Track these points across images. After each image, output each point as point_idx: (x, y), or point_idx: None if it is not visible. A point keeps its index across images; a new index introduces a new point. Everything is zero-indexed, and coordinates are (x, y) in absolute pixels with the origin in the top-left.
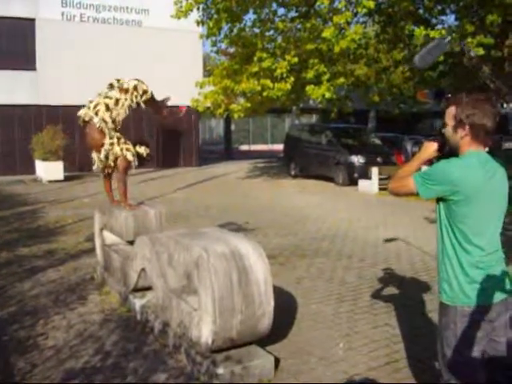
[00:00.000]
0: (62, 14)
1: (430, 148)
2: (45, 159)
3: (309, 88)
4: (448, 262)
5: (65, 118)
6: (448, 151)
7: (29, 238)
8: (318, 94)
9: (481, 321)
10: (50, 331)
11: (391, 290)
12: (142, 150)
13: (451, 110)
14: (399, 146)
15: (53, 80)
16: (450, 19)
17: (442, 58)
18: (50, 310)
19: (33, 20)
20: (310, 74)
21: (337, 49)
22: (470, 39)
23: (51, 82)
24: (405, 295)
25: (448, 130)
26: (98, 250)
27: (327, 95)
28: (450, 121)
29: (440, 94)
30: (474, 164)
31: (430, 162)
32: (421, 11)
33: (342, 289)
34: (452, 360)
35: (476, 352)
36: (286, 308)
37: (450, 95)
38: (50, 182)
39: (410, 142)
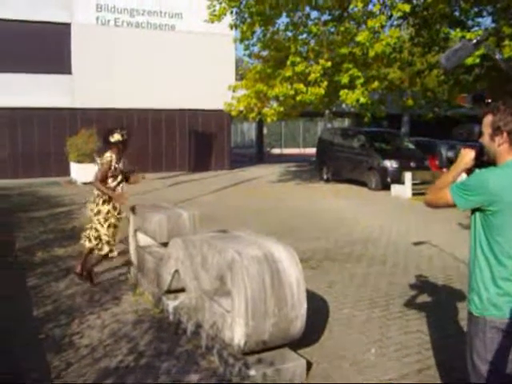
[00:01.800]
0: (97, 19)
1: (467, 157)
2: (79, 161)
3: (343, 93)
4: (479, 274)
5: (99, 120)
6: (486, 160)
7: (64, 239)
8: (352, 98)
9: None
10: (85, 330)
11: (423, 297)
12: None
13: (488, 119)
14: (433, 151)
15: (88, 83)
16: (487, 21)
17: (477, 60)
18: (85, 309)
19: (68, 24)
20: (345, 79)
21: (372, 53)
22: (507, 41)
23: (86, 86)
24: (437, 302)
25: (485, 139)
26: (132, 252)
27: (362, 100)
28: (487, 129)
29: (479, 98)
30: None
31: (468, 171)
32: (456, 13)
33: (373, 294)
34: (487, 371)
35: (505, 363)
36: (317, 312)
37: (490, 100)
38: (85, 183)
39: (445, 146)
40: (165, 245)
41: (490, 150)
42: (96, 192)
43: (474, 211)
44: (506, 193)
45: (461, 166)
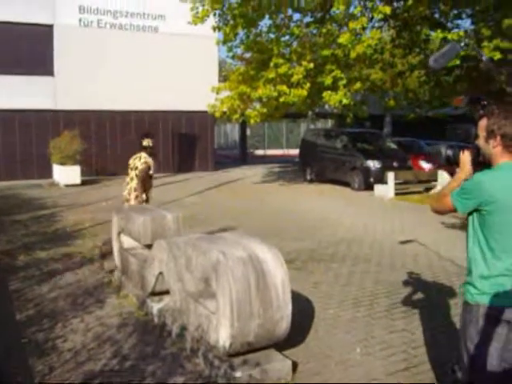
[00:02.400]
0: (80, 20)
1: (467, 166)
2: (62, 163)
3: (326, 94)
4: (476, 268)
5: (82, 122)
6: (482, 161)
7: (46, 242)
8: (335, 99)
9: (503, 320)
10: (68, 334)
11: (409, 295)
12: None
13: (483, 122)
14: (415, 151)
15: (70, 85)
16: (466, 23)
17: (457, 62)
18: (68, 312)
19: (51, 26)
20: (328, 80)
21: (353, 54)
22: (486, 43)
23: (68, 88)
24: (422, 300)
25: (481, 141)
26: (116, 254)
27: (344, 101)
28: (482, 132)
29: (475, 101)
30: (506, 175)
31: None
32: (436, 16)
33: (359, 293)
34: (480, 358)
35: (497, 350)
36: (303, 312)
37: (485, 103)
38: (67, 186)
39: (444, 145)
40: (149, 247)
41: (485, 151)
42: (129, 187)
43: (470, 212)
44: (500, 193)
45: (462, 177)
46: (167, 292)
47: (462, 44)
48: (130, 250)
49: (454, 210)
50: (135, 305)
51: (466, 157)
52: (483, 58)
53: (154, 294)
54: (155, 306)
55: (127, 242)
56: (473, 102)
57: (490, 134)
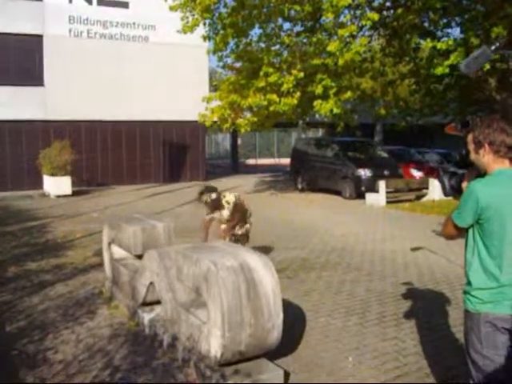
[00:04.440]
0: (70, 31)
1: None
2: (53, 174)
3: (317, 103)
4: (474, 275)
5: (72, 132)
6: (480, 175)
7: (37, 253)
8: (325, 109)
9: (504, 328)
10: (59, 345)
11: (400, 303)
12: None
13: (469, 137)
14: (406, 159)
15: (60, 95)
16: (456, 32)
17: (447, 70)
18: (59, 324)
19: (40, 36)
20: (319, 90)
21: (341, 61)
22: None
23: (59, 98)
24: (413, 308)
25: (472, 155)
26: (107, 265)
27: (335, 110)
28: (470, 146)
29: (465, 124)
30: (500, 181)
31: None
32: (426, 24)
33: (350, 302)
34: (484, 365)
35: (500, 356)
36: (294, 321)
37: (468, 120)
38: (58, 196)
39: (446, 175)
40: (140, 257)
41: (479, 164)
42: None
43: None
44: (495, 200)
45: None
46: (158, 302)
47: (493, 48)
48: (121, 261)
49: (459, 229)
50: (126, 315)
51: (467, 183)
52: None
53: (144, 304)
54: (146, 317)
55: (118, 252)
56: (464, 126)
57: (478, 144)
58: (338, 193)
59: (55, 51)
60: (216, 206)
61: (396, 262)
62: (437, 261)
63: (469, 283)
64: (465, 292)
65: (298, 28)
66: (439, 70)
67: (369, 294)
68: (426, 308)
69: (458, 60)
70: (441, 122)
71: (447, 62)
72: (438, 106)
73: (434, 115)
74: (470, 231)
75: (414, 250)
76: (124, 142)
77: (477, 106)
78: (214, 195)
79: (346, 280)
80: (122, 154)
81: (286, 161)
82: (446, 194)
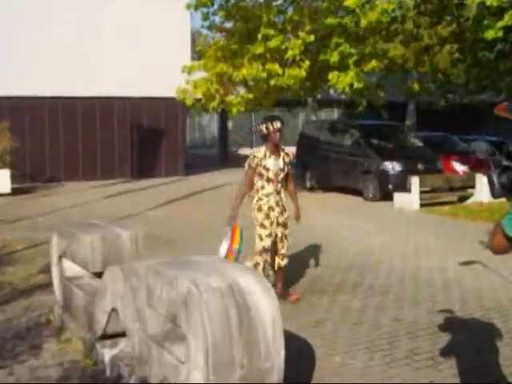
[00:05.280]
0: None
1: None
2: None
3: (332, 76)
4: None
5: (12, 113)
6: None
7: None
8: (344, 83)
9: None
10: None
11: (436, 337)
12: None
13: None
14: (447, 149)
15: None
16: None
17: (500, 33)
18: None
19: None
20: (334, 58)
21: (364, 21)
22: None
23: None
24: (454, 343)
25: None
26: (56, 285)
27: (356, 85)
28: None
29: None
30: None
31: None
32: None
33: (373, 335)
34: None
35: None
36: (300, 360)
37: None
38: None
39: (496, 170)
40: (99, 275)
41: None
42: None
43: None
44: None
45: None
46: (123, 334)
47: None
48: (75, 280)
49: (510, 239)
50: (81, 351)
51: None
52: None
53: (105, 336)
54: (107, 353)
55: (71, 268)
56: None
57: None
58: (357, 192)
59: None
60: (275, 142)
61: (433, 282)
62: (486, 281)
63: None
64: None
65: None
66: (490, 34)
67: (397, 324)
68: (470, 343)
69: None
70: (491, 101)
71: (500, 24)
72: (487, 80)
73: (483, 92)
74: None
75: (463, 264)
76: (80, 125)
77: None
78: (278, 124)
79: (367, 306)
80: (77, 141)
81: (291, 150)
82: (494, 195)
